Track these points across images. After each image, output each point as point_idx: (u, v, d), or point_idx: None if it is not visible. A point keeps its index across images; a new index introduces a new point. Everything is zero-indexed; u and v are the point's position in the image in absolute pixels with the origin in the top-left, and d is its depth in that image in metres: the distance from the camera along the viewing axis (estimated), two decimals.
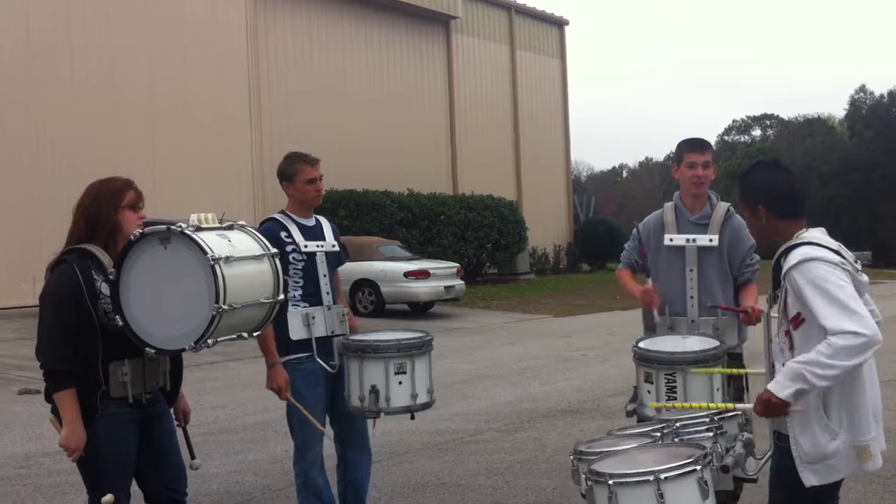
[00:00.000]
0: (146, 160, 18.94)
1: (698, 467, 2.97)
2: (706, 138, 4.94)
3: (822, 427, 3.12)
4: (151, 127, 19.93)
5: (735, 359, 4.64)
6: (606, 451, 3.34)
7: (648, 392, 4.24)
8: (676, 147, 4.88)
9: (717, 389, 4.17)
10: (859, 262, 3.27)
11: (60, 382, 3.50)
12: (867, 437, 3.13)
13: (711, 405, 3.73)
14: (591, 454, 3.34)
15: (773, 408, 3.13)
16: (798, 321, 3.12)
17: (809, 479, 3.14)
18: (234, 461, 6.98)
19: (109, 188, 3.71)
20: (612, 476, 2.98)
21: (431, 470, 6.64)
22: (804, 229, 3.27)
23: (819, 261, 3.09)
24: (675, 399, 4.11)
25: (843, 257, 3.14)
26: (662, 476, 2.92)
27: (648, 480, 2.93)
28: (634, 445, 3.38)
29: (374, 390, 4.43)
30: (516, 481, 6.31)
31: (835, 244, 3.20)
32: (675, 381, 4.14)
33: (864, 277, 3.22)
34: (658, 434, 3.50)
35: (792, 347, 3.16)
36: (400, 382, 4.45)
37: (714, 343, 4.30)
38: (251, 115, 22.46)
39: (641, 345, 4.36)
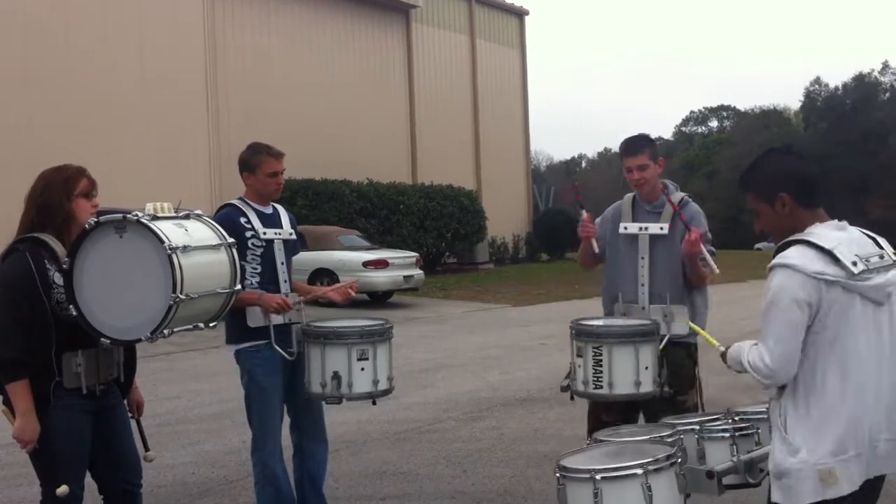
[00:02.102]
0: (100, 148, 18.61)
1: (639, 472, 2.96)
2: (646, 133, 4.92)
3: (781, 439, 2.89)
4: (106, 113, 19.60)
5: (685, 348, 4.68)
6: (597, 441, 3.50)
7: (579, 367, 4.34)
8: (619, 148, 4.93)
9: (646, 368, 4.23)
10: (884, 253, 2.96)
11: (13, 373, 3.46)
12: (833, 458, 2.81)
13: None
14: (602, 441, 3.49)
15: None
16: None
17: (775, 494, 2.91)
18: (191, 452, 6.93)
19: (61, 176, 3.65)
20: (560, 469, 3.09)
21: (389, 459, 6.64)
22: (819, 222, 2.98)
23: (791, 269, 2.84)
24: (602, 373, 4.21)
25: (839, 261, 2.83)
26: (598, 476, 2.97)
27: (586, 478, 2.99)
28: (630, 439, 3.45)
29: (336, 376, 4.42)
30: (474, 470, 6.34)
31: (833, 243, 2.86)
32: (601, 355, 4.23)
33: (880, 279, 2.88)
34: (681, 430, 3.50)
35: None
36: (362, 369, 4.46)
37: (646, 321, 4.40)
38: (208, 103, 22.20)
39: (578, 320, 4.47)
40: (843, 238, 2.92)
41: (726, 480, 3.34)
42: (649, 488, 2.95)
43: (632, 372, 4.21)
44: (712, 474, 3.24)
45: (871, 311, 2.89)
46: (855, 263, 2.85)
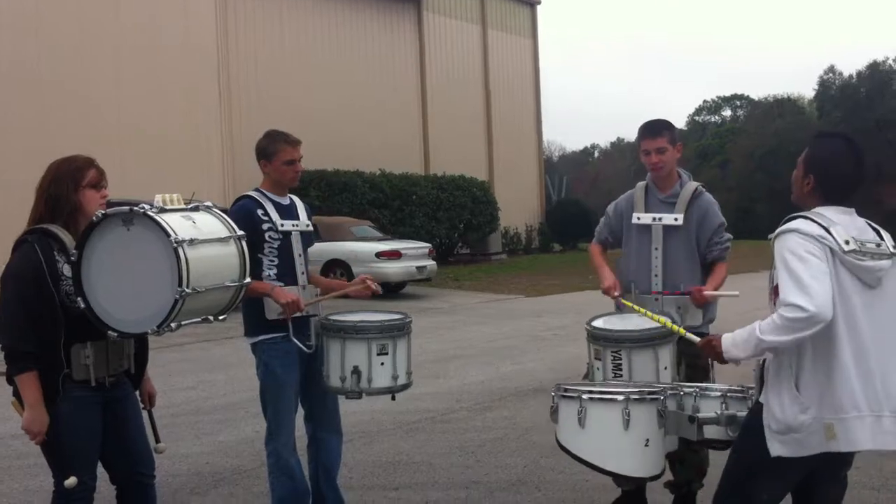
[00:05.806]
0: (113, 139, 18.68)
1: (620, 398, 3.45)
2: (666, 119, 4.87)
3: (792, 398, 3.08)
4: (118, 103, 19.66)
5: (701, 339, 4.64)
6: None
7: (598, 369, 4.30)
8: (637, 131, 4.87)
9: (665, 368, 4.19)
10: (883, 244, 3.14)
11: (21, 365, 3.46)
12: (835, 415, 3.03)
13: (669, 323, 4.02)
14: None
15: (713, 353, 3.29)
16: (777, 290, 3.10)
17: (776, 448, 3.10)
18: (205, 442, 6.94)
19: (70, 166, 3.64)
20: (556, 388, 3.62)
21: (403, 449, 6.64)
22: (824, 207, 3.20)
23: (796, 233, 3.06)
24: (622, 376, 4.19)
25: (832, 234, 3.05)
26: (584, 396, 3.50)
27: (573, 397, 3.52)
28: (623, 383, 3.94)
29: (356, 371, 4.41)
30: (487, 460, 6.33)
31: (829, 222, 3.09)
32: (620, 359, 4.19)
33: (872, 263, 3.07)
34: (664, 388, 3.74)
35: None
36: (382, 363, 4.44)
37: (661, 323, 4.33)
38: (220, 94, 22.24)
39: (593, 323, 4.42)
40: (845, 220, 3.15)
41: (711, 434, 3.60)
42: (628, 414, 3.41)
43: (651, 373, 4.17)
44: (693, 419, 3.52)
45: (860, 289, 3.09)
46: (847, 242, 3.07)
